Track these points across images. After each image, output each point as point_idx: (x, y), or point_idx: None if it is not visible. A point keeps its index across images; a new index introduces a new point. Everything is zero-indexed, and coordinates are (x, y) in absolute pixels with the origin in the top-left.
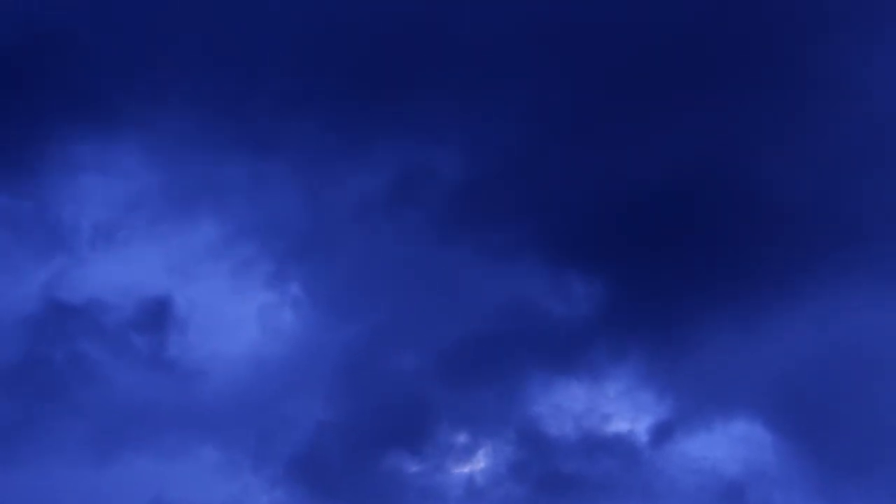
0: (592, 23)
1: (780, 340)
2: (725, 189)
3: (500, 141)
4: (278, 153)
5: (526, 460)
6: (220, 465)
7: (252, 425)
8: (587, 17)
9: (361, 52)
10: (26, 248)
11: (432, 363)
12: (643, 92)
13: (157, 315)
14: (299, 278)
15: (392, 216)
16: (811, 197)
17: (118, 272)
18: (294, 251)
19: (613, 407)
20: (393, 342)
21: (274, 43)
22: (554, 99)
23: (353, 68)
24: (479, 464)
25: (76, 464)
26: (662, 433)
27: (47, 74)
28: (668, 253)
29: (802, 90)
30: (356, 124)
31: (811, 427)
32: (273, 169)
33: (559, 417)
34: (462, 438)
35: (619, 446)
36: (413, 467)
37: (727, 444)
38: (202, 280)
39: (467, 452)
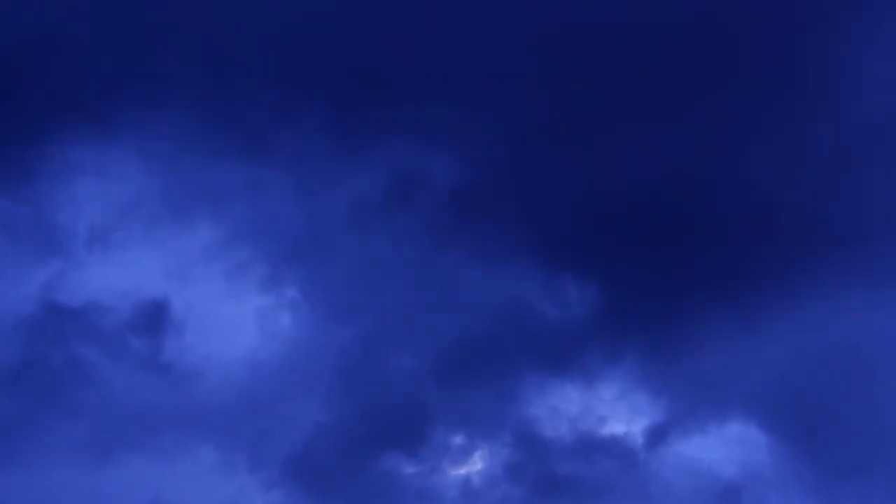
0: (588, 24)
1: (776, 341)
2: (724, 190)
3: (494, 144)
4: (274, 157)
5: (522, 462)
6: (217, 466)
7: (249, 427)
8: (583, 18)
9: (357, 57)
10: (24, 251)
11: (428, 365)
12: (640, 93)
13: (154, 318)
14: (295, 281)
15: (387, 220)
16: (811, 197)
17: (115, 275)
18: (290, 254)
19: (609, 409)
20: (389, 344)
21: (269, 48)
22: (547, 102)
23: (349, 73)
24: (475, 465)
25: (74, 465)
26: (657, 435)
27: (44, 78)
28: (663, 255)
29: (802, 91)
30: (351, 129)
31: (806, 428)
32: (269, 173)
33: (555, 419)
34: (458, 440)
35: (615, 448)
36: (409, 469)
37: (722, 446)
38: (199, 283)
39: (463, 454)
